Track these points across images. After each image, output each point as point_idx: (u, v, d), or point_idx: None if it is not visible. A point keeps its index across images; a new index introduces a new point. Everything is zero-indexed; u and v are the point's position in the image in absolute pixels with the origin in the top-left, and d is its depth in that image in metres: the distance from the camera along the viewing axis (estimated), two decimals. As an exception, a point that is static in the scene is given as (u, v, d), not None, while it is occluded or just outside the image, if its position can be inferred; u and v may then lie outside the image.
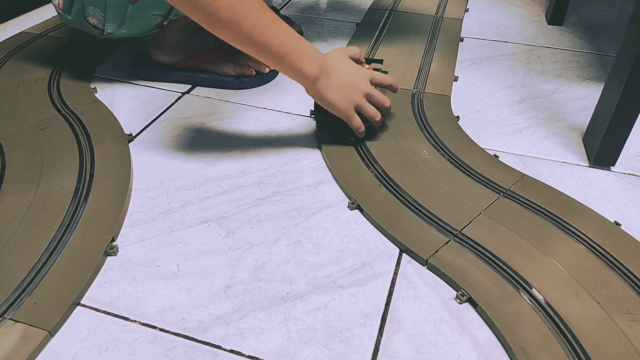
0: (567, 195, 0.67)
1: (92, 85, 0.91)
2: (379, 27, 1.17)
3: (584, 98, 0.92)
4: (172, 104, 0.88)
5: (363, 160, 0.73)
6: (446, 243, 0.60)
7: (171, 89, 0.92)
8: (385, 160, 0.73)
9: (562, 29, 1.20)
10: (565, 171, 0.74)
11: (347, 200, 0.68)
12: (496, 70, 1.01)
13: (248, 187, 0.70)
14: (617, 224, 0.64)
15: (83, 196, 0.64)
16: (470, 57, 1.06)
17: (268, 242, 0.61)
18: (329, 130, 0.80)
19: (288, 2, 1.33)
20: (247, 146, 0.78)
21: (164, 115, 0.85)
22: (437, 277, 0.57)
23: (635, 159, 0.77)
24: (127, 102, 0.88)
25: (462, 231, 0.61)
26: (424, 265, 0.58)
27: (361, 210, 0.66)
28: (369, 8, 1.28)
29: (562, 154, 0.78)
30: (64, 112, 0.82)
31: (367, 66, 0.90)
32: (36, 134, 0.76)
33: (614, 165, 0.75)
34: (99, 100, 0.85)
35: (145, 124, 0.82)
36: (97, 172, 0.69)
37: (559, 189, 0.69)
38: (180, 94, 0.91)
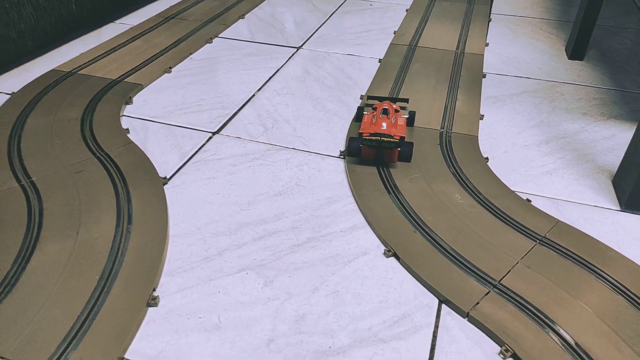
0: (603, 244, 0.67)
1: (125, 126, 0.93)
2: (401, 64, 1.18)
3: (610, 138, 0.92)
4: (204, 145, 0.89)
5: (396, 203, 0.74)
6: (486, 294, 0.59)
7: (201, 129, 0.94)
8: (418, 204, 0.74)
9: (583, 64, 1.20)
10: (597, 216, 0.74)
11: (382, 247, 0.68)
12: (521, 108, 1.02)
13: (283, 232, 0.70)
14: (656, 273, 0.63)
15: (122, 243, 0.65)
16: (494, 94, 1.07)
17: (307, 292, 0.61)
18: (360, 172, 0.81)
19: (311, 37, 1.35)
20: (279, 188, 0.79)
21: (196, 156, 0.86)
22: (479, 331, 0.57)
23: (667, 202, 0.77)
24: (159, 142, 0.90)
25: (501, 281, 0.61)
26: (464, 318, 0.58)
27: (398, 258, 0.66)
28: (391, 44, 1.30)
29: (593, 197, 0.78)
30: (98, 154, 0.83)
31: (394, 105, 0.92)
32: (72, 177, 0.78)
33: (647, 209, 0.75)
34: (132, 142, 0.87)
35: (179, 166, 0.84)
36: (134, 217, 0.69)
37: (592, 235, 0.69)
38: (211, 133, 0.93)
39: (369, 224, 0.72)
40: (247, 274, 0.63)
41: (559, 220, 0.71)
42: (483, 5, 1.55)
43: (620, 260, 0.65)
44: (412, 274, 0.64)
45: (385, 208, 0.73)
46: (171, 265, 0.64)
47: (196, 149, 0.88)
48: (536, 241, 0.67)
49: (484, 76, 1.14)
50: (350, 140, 0.84)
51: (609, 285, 0.61)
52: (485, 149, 0.89)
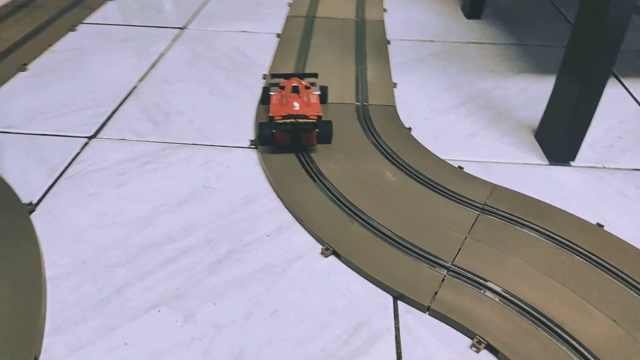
0: (544, 202, 0.63)
1: (-32, 143, 0.73)
2: (302, 37, 1.08)
3: (522, 92, 0.91)
4: (78, 154, 0.72)
5: (324, 192, 0.64)
6: (442, 281, 0.52)
7: (73, 134, 0.76)
8: (348, 189, 0.65)
9: (481, 23, 1.19)
10: (529, 173, 0.71)
11: (318, 246, 0.58)
12: (431, 72, 0.97)
13: (196, 249, 0.58)
14: (599, 225, 0.61)
15: (-21, 302, 0.48)
16: (401, 60, 1.01)
17: (239, 320, 0.50)
18: (277, 161, 0.70)
19: (195, 15, 1.19)
20: (183, 195, 0.66)
21: (70, 169, 0.69)
22: (444, 324, 0.49)
23: (588, 149, 0.76)
24: (19, 159, 0.71)
25: (454, 262, 0.54)
26: (425, 312, 0.51)
27: (338, 256, 0.57)
28: (287, 17, 1.18)
29: (521, 154, 0.75)
30: None
31: (303, 82, 0.81)
32: None
33: (573, 160, 0.73)
34: (-20, 163, 0.68)
35: (48, 185, 0.66)
36: (-7, 263, 0.53)
37: (530, 195, 0.65)
38: (86, 139, 0.76)
39: (298, 220, 0.62)
40: (159, 311, 0.50)
41: (495, 185, 0.66)
42: (372, -29, 1.49)
43: (565, 218, 0.61)
44: (357, 272, 0.55)
45: (313, 199, 0.63)
46: (55, 320, 0.49)
47: (68, 161, 0.71)
48: (478, 211, 0.62)
49: (389, 43, 1.08)
50: (261, 127, 0.72)
51: (564, 247, 0.57)
52: (404, 118, 0.82)
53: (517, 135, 0.79)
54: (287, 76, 0.87)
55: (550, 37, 1.11)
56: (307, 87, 0.81)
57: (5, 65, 0.93)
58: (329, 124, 0.73)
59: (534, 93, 0.90)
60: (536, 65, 1.00)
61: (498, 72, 0.97)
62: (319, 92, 0.82)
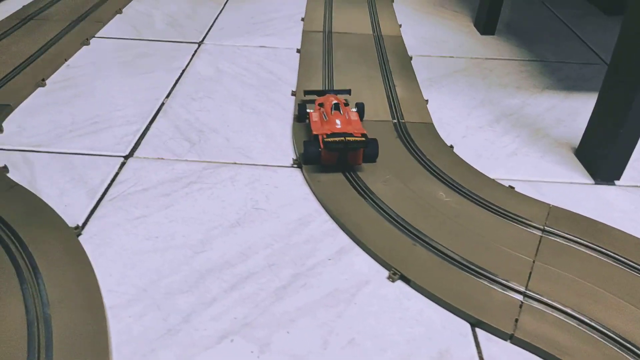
0: (603, 223, 0.63)
1: (1, 164, 0.68)
2: (323, 52, 1.07)
3: (552, 109, 0.91)
4: (117, 174, 0.69)
5: (379, 212, 0.63)
6: (520, 307, 0.51)
7: (108, 153, 0.73)
8: (404, 209, 0.63)
9: (496, 39, 1.20)
10: (578, 193, 0.71)
11: (383, 270, 0.57)
12: (458, 89, 0.97)
13: (259, 274, 0.55)
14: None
15: (41, 338, 0.45)
16: (427, 76, 1.01)
17: (317, 349, 0.48)
18: (325, 181, 0.68)
19: (210, 29, 1.17)
20: (234, 217, 0.63)
21: (111, 190, 0.66)
22: (530, 353, 0.48)
23: (630, 168, 0.76)
24: (54, 179, 0.67)
25: (528, 287, 0.54)
26: (508, 340, 0.49)
27: (406, 280, 0.55)
28: (303, 31, 1.18)
29: (565, 173, 0.75)
30: (-32, 208, 0.59)
31: (341, 99, 0.80)
32: None
33: (618, 179, 0.74)
34: (16, 184, 0.64)
35: (91, 207, 0.63)
36: (49, 293, 0.49)
37: (585, 215, 0.65)
38: (122, 158, 0.73)
39: (357, 243, 0.60)
40: (232, 341, 0.48)
41: (550, 205, 0.66)
42: (381, -13, 1.50)
43: (625, 238, 0.61)
44: (429, 298, 0.53)
45: (369, 220, 0.62)
46: (122, 353, 0.46)
47: (108, 181, 0.68)
48: (540, 232, 0.61)
49: (411, 58, 1.08)
50: (306, 145, 0.70)
51: (630, 269, 0.57)
52: (443, 135, 0.82)
53: (558, 153, 0.79)
54: (320, 92, 0.86)
55: (566, 53, 1.13)
56: (345, 104, 0.80)
57: (24, 80, 0.89)
58: (375, 142, 0.71)
59: (564, 110, 0.91)
60: (558, 82, 1.01)
61: (524, 89, 0.98)
62: (356, 109, 0.81)
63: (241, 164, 0.73)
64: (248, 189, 0.68)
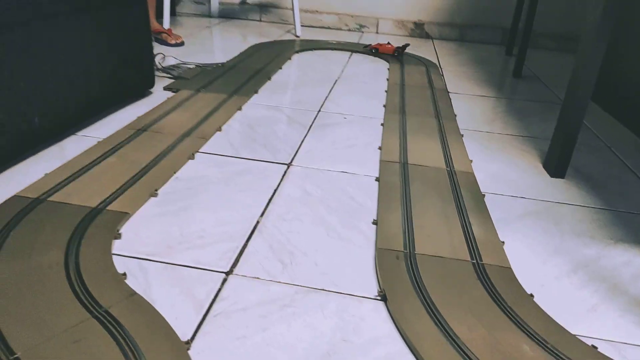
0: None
1: (119, 269, 0.77)
2: (401, 183, 1.16)
3: (628, 264, 0.93)
4: (219, 290, 0.76)
5: (464, 361, 0.65)
6: None
7: (211, 268, 0.81)
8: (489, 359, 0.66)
9: (566, 182, 1.26)
10: (661, 358, 0.71)
11: (471, 423, 0.58)
12: (533, 233, 1.01)
13: (351, 411, 0.58)
14: None
15: None
16: (500, 216, 1.07)
17: None
18: (408, 317, 0.72)
19: (297, 151, 1.30)
20: (325, 347, 0.67)
21: (214, 307, 0.73)
22: None
23: None
24: (166, 290, 0.75)
25: None
26: None
27: None
28: (381, 161, 1.28)
29: (647, 335, 0.75)
30: (96, 313, 0.67)
31: None
32: (68, 349, 0.61)
33: None
34: (135, 293, 0.72)
35: (197, 323, 0.69)
36: (166, 409, 0.54)
37: (673, 386, 0.64)
38: (224, 274, 0.80)
39: (444, 390, 0.62)
40: None
41: (636, 371, 0.66)
42: (451, 121, 1.62)
43: None
44: None
45: (456, 367, 0.64)
46: None
47: (212, 297, 0.75)
48: (628, 401, 0.61)
49: (484, 196, 1.15)
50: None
51: None
52: (521, 281, 0.85)
53: (636, 314, 0.80)
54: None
55: (636, 204, 1.16)
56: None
57: (140, 189, 1.01)
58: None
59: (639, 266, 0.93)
60: (629, 234, 1.03)
61: (598, 239, 1.01)
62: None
63: (329, 291, 0.79)
64: (337, 319, 0.73)
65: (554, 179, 1.28)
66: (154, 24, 2.34)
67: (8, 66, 1.01)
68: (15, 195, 0.94)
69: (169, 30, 2.36)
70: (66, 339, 0.62)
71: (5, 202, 0.92)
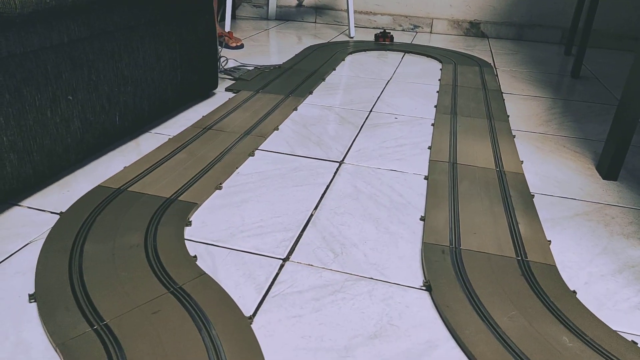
0: None
1: (192, 253, 0.87)
2: (449, 182, 1.20)
3: (679, 266, 0.93)
4: (277, 274, 0.85)
5: (505, 347, 0.70)
6: None
7: (270, 255, 0.89)
8: (528, 348, 0.70)
9: (618, 185, 1.25)
10: None
11: (507, 404, 0.63)
12: (580, 233, 1.03)
13: (395, 386, 0.64)
14: None
15: (229, 407, 0.57)
16: (548, 216, 1.09)
17: None
18: (454, 307, 0.77)
19: (349, 150, 1.36)
20: (372, 329, 0.74)
21: (273, 288, 0.81)
22: None
23: None
24: (230, 272, 0.84)
25: None
26: None
27: (529, 418, 0.61)
28: (430, 160, 1.32)
29: (692, 336, 0.76)
30: (172, 289, 0.77)
31: None
32: (149, 319, 0.71)
33: None
34: (204, 273, 0.81)
35: (258, 302, 0.78)
36: (233, 371, 0.62)
37: None
38: (281, 260, 0.88)
39: (482, 373, 0.67)
40: None
41: (677, 368, 0.68)
42: (502, 122, 1.63)
43: None
44: None
45: (496, 354, 0.69)
46: None
47: (271, 280, 0.83)
48: (665, 394, 0.64)
49: (533, 196, 1.16)
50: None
51: None
52: (565, 279, 0.87)
53: (684, 314, 0.81)
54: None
55: (696, 208, 1.14)
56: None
57: (206, 183, 1.11)
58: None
59: (692, 269, 0.92)
60: (687, 238, 1.02)
61: (648, 241, 1.01)
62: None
63: (377, 279, 0.85)
64: (384, 305, 0.79)
65: (606, 181, 1.27)
66: (217, 27, 2.47)
67: (95, 71, 1.14)
68: (99, 186, 1.06)
69: (230, 33, 2.49)
70: (147, 310, 0.72)
71: (91, 191, 1.04)
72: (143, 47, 1.30)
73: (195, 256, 0.87)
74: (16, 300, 0.75)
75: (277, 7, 3.38)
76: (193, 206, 1.01)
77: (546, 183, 1.25)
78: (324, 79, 2.02)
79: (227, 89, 1.82)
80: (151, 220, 0.94)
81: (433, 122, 1.62)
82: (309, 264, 0.88)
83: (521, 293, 0.82)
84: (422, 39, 2.94)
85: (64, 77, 1.05)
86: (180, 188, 1.07)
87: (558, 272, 0.88)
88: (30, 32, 0.96)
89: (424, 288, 0.84)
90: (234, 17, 3.32)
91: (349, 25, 2.82)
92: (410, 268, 0.89)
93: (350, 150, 1.38)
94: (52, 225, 0.93)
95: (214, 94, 1.78)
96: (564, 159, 1.40)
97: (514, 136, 1.53)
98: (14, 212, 0.98)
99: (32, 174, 1.01)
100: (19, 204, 1.01)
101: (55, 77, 1.03)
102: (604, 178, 1.29)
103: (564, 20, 2.93)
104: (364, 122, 1.59)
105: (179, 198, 1.03)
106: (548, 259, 0.92)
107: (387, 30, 2.80)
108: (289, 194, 1.11)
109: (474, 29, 3.10)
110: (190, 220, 0.98)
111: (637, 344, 0.73)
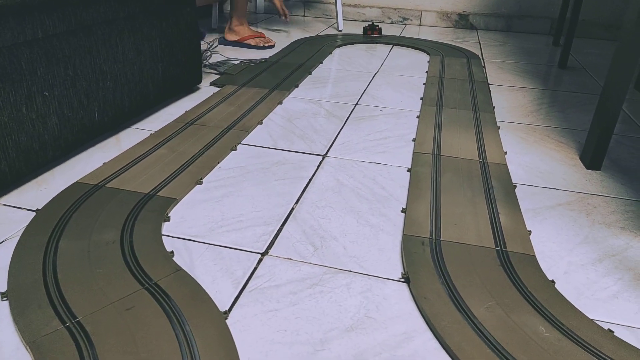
0: None
1: (169, 249, 0.87)
2: (432, 174, 1.19)
3: (659, 254, 0.93)
4: (255, 269, 0.84)
5: (481, 338, 0.69)
6: None
7: (248, 249, 0.89)
8: (504, 339, 0.70)
9: (602, 174, 1.25)
10: (681, 345, 0.72)
11: (481, 394, 0.63)
12: (561, 223, 1.03)
13: (369, 378, 0.64)
14: None
15: (199, 403, 0.57)
16: (530, 206, 1.08)
17: None
18: (432, 299, 0.77)
19: (333, 143, 1.36)
20: (349, 322, 0.73)
21: (250, 283, 0.80)
22: None
23: None
24: (207, 267, 0.83)
25: None
26: None
27: (503, 408, 0.60)
28: (414, 152, 1.32)
29: (669, 323, 0.76)
30: (147, 285, 0.76)
31: None
32: (122, 316, 0.70)
33: None
34: (181, 269, 0.81)
35: (234, 296, 0.77)
36: (205, 367, 0.62)
37: (689, 371, 0.66)
38: (260, 255, 0.88)
39: (458, 364, 0.67)
40: None
41: (652, 355, 0.68)
42: (488, 114, 1.63)
43: None
44: None
45: (471, 344, 0.69)
46: None
47: (248, 274, 0.82)
48: (639, 382, 0.64)
49: (515, 187, 1.16)
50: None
51: None
52: (544, 268, 0.87)
53: (661, 302, 0.81)
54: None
55: (677, 197, 1.15)
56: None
57: (186, 178, 1.10)
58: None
59: (671, 257, 0.92)
60: (668, 227, 1.03)
61: (628, 230, 1.01)
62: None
63: (356, 272, 0.85)
64: (361, 297, 0.79)
65: (589, 171, 1.27)
66: (246, 30, 2.40)
67: (72, 67, 1.12)
68: (77, 182, 1.05)
69: (261, 34, 2.43)
70: (121, 307, 0.71)
71: (69, 187, 1.03)
72: (122, 42, 1.28)
73: (172, 252, 0.86)
74: (-11, 299, 0.75)
75: (265, 0, 3.36)
76: (172, 201, 1.00)
77: (529, 173, 1.25)
78: (310, 73, 2.01)
79: (211, 84, 1.81)
80: (128, 216, 0.93)
81: (418, 114, 1.61)
82: (287, 258, 0.87)
83: (499, 283, 0.81)
84: (411, 32, 2.93)
85: (39, 73, 1.03)
86: (160, 184, 1.06)
87: (537, 262, 0.88)
88: (3, 27, 0.94)
89: (402, 280, 0.83)
90: (221, 11, 3.30)
91: (337, 19, 2.81)
92: (390, 260, 0.89)
93: (334, 143, 1.37)
94: (27, 223, 0.92)
95: (198, 88, 1.76)
96: (548, 149, 1.40)
97: (499, 127, 1.53)
98: (-10, 210, 0.97)
99: (8, 171, 1.00)
100: (-4, 201, 1.00)
101: (30, 73, 1.01)
102: (587, 168, 1.29)
103: (553, 10, 2.93)
104: (349, 115, 1.59)
105: (158, 194, 1.02)
106: (527, 249, 0.91)
107: (375, 23, 2.78)
108: (270, 188, 1.11)
109: (463, 21, 3.09)
110: (168, 215, 0.97)
111: (613, 332, 0.73)
